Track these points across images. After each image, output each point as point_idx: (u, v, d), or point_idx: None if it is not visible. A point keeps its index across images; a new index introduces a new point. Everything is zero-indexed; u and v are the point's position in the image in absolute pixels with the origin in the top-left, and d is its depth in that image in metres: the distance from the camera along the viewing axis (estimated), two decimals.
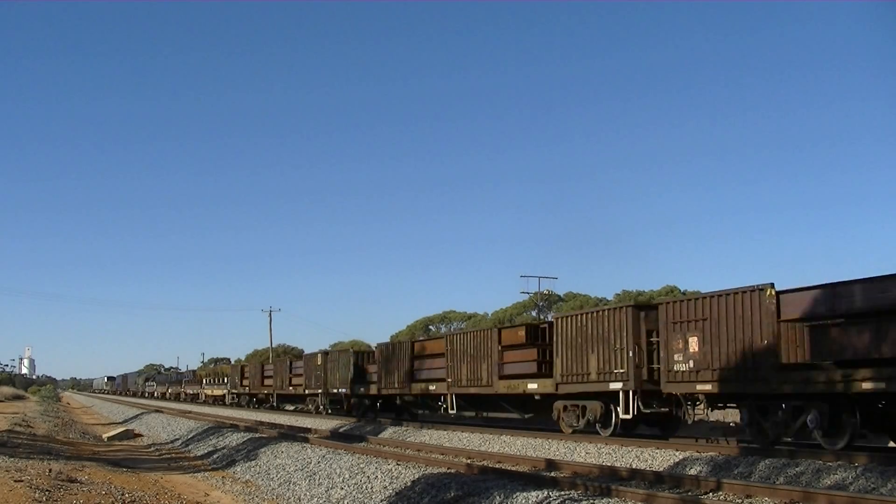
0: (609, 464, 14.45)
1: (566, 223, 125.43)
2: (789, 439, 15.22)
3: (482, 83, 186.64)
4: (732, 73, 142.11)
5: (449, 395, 24.62)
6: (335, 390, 33.06)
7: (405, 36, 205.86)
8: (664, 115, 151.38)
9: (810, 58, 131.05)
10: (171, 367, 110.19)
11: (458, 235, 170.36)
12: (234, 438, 22.38)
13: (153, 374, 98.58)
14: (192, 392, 65.57)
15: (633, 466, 14.06)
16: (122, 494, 12.28)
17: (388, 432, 24.56)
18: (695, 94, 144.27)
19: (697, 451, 14.90)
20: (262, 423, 30.49)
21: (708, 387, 15.84)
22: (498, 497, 10.49)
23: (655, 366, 17.36)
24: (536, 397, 21.07)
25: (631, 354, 17.57)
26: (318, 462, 15.61)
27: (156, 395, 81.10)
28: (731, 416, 21.18)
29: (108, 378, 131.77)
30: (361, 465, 14.36)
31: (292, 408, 41.15)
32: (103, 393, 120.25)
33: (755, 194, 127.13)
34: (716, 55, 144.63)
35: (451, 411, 24.60)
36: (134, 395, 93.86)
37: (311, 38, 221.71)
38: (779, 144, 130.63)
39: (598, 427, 18.78)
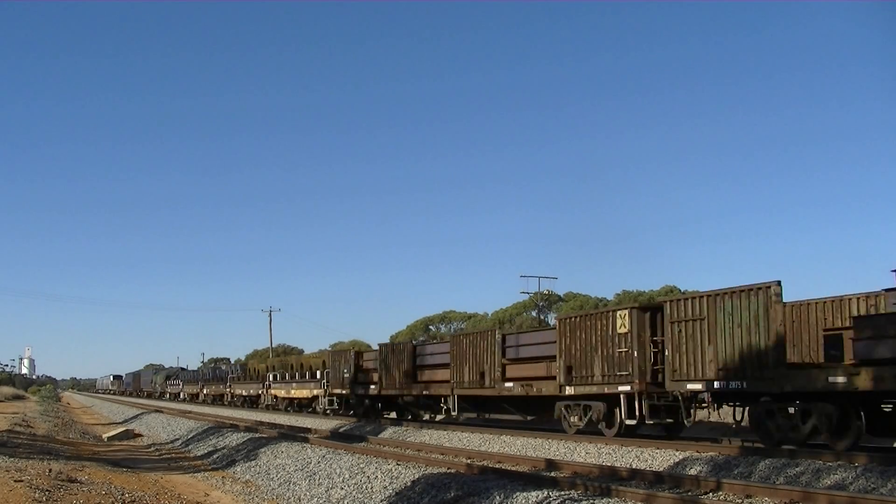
0: (609, 464, 14.45)
1: (566, 223, 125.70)
2: None
3: (482, 83, 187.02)
4: (732, 73, 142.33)
5: None
6: (734, 383, 14.93)
7: (405, 36, 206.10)
8: (664, 114, 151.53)
9: (810, 58, 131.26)
10: (171, 367, 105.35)
11: (458, 235, 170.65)
12: (234, 438, 22.38)
13: (176, 370, 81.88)
14: (245, 393, 47.78)
15: (633, 466, 14.06)
16: (122, 494, 12.27)
17: (388, 432, 24.54)
18: (696, 94, 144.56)
19: (697, 451, 14.89)
20: (261, 423, 30.50)
21: None
22: (498, 497, 10.48)
23: None
24: None
25: None
26: (318, 462, 15.61)
27: (181, 396, 65.76)
28: None
29: (115, 377, 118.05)
30: (361, 465, 14.36)
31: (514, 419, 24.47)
32: (109, 393, 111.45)
33: (756, 194, 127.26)
34: (716, 55, 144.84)
35: None
36: (149, 396, 79.38)
37: (311, 38, 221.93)
38: (780, 144, 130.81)
39: None
